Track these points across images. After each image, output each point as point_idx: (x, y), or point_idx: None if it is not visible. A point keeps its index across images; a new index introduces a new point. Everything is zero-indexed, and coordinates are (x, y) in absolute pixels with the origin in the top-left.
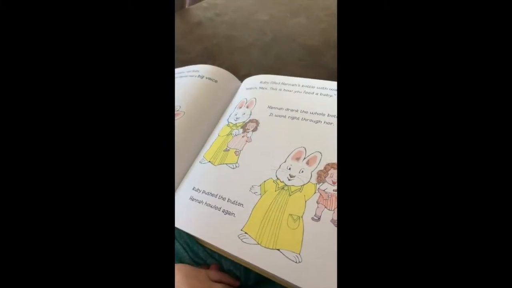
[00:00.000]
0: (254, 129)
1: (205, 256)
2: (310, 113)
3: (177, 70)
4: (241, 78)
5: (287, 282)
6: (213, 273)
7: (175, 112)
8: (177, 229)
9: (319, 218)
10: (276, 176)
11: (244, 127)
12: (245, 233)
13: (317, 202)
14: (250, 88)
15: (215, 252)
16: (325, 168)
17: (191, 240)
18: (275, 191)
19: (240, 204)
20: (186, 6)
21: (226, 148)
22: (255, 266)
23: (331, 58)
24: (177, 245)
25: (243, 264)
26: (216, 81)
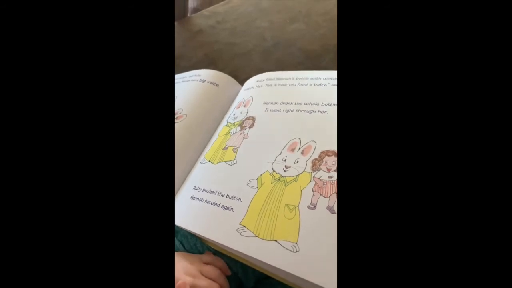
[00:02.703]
0: (251, 126)
1: (202, 248)
2: (304, 104)
3: (179, 75)
4: (242, 82)
5: (285, 272)
6: (206, 256)
7: (178, 115)
8: (178, 227)
9: (315, 206)
10: (272, 169)
11: (241, 125)
12: (243, 226)
13: (312, 190)
14: (248, 89)
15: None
16: (319, 156)
17: (190, 234)
18: (271, 183)
19: (238, 199)
20: (188, 15)
21: (225, 147)
22: (254, 259)
23: (329, 62)
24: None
25: (242, 262)
26: (217, 85)
